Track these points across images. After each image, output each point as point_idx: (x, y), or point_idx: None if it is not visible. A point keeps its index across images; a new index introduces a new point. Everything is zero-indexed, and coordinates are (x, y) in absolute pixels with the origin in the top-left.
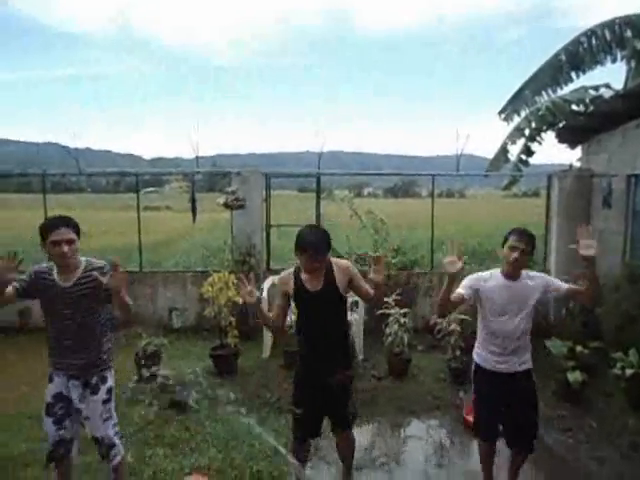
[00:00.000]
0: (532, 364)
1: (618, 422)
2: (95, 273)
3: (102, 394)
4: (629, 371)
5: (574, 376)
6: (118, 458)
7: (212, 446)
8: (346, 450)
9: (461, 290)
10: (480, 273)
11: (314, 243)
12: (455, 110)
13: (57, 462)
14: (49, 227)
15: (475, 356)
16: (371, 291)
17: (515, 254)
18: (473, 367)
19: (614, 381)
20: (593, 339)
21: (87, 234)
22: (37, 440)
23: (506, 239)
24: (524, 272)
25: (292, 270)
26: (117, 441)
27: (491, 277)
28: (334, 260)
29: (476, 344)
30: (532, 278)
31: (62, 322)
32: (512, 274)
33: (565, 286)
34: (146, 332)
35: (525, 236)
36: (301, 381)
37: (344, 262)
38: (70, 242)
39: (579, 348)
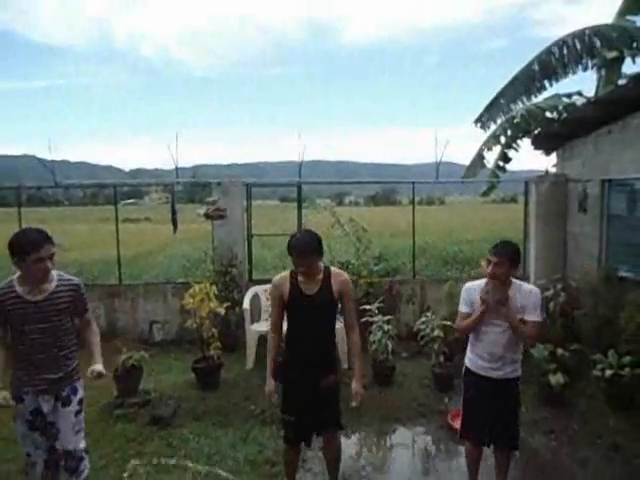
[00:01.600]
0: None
1: (599, 423)
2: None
3: (74, 405)
4: (608, 372)
5: (556, 378)
6: (86, 472)
7: (195, 461)
8: (333, 453)
9: (465, 310)
10: (471, 283)
11: (300, 244)
12: (436, 118)
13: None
14: (32, 245)
15: (466, 360)
16: (352, 324)
17: (489, 268)
18: (463, 370)
19: (594, 382)
20: (573, 341)
21: (64, 247)
22: (9, 462)
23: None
24: (517, 284)
25: (287, 273)
26: (85, 455)
27: (481, 286)
28: (334, 270)
29: (467, 348)
30: (522, 292)
31: (33, 338)
32: (495, 286)
33: (532, 320)
34: (126, 346)
35: (501, 249)
36: (291, 386)
37: (344, 274)
38: (52, 257)
39: (560, 351)
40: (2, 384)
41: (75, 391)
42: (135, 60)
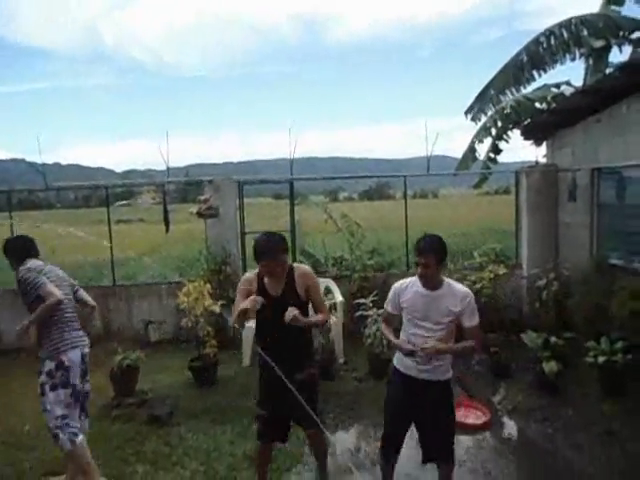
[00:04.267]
0: (451, 375)
1: (593, 409)
2: None
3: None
4: (601, 358)
5: (549, 366)
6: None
7: (194, 459)
8: (317, 450)
9: (389, 309)
10: (398, 283)
11: (267, 249)
12: (429, 112)
13: None
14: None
15: (395, 360)
16: (322, 315)
17: (420, 270)
18: (391, 369)
19: (588, 369)
20: (566, 329)
21: (58, 250)
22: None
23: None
24: (446, 283)
25: (256, 272)
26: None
27: (409, 284)
28: (296, 265)
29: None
30: (456, 295)
31: None
32: (426, 286)
33: (472, 325)
34: (122, 347)
35: (426, 251)
36: (265, 382)
37: (305, 268)
38: None
39: (553, 339)
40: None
41: (40, 373)
42: (124, 61)
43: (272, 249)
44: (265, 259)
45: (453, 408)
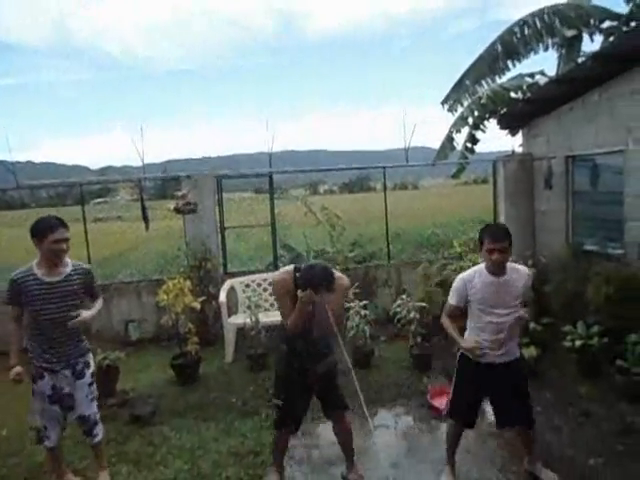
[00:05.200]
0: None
1: (571, 391)
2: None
3: (87, 377)
4: (578, 342)
5: (529, 351)
6: (101, 434)
7: (178, 458)
8: (344, 434)
9: (454, 303)
10: (464, 275)
11: (315, 281)
12: (407, 103)
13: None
14: (51, 227)
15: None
16: (332, 318)
17: (495, 256)
18: (458, 358)
19: (565, 353)
20: (544, 315)
21: (31, 251)
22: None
23: (481, 240)
24: (509, 265)
25: (290, 273)
26: (99, 419)
27: (476, 275)
28: (336, 275)
29: (466, 336)
30: (517, 272)
31: (50, 315)
32: (497, 272)
33: (525, 299)
34: (103, 347)
35: (500, 235)
36: (287, 374)
37: (345, 280)
38: (67, 240)
39: (532, 325)
40: (16, 360)
41: (88, 365)
42: (98, 56)
43: (329, 281)
44: (321, 290)
45: (527, 380)
